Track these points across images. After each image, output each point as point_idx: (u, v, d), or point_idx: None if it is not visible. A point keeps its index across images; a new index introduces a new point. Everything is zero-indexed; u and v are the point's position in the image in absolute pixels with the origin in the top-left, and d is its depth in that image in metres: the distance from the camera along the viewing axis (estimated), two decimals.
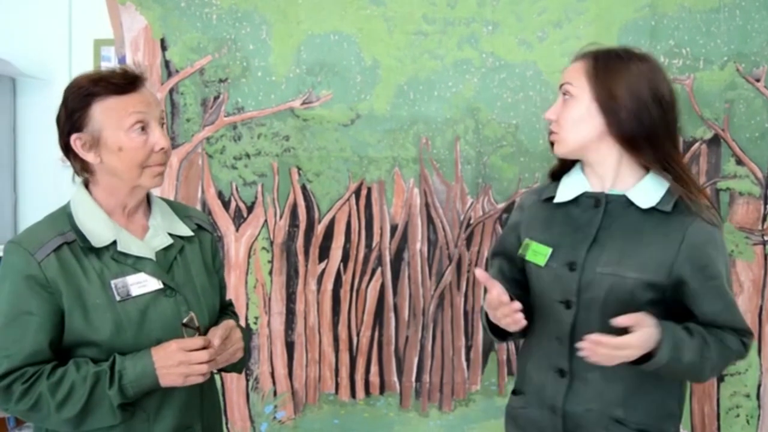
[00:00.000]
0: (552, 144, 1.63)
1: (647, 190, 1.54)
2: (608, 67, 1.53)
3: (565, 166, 1.68)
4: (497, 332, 1.67)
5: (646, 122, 1.50)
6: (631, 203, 1.55)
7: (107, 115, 1.44)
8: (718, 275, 1.51)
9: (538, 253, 1.62)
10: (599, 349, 1.41)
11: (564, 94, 1.56)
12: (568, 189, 1.64)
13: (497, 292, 1.50)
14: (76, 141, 1.45)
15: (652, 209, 1.53)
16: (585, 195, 1.61)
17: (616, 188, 1.58)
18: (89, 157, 1.46)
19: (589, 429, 1.58)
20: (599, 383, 1.56)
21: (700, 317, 1.52)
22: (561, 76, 1.59)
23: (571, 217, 1.62)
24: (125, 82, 1.46)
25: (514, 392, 1.78)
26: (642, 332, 1.41)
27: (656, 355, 1.43)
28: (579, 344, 1.44)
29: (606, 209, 1.57)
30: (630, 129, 1.50)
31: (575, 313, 1.56)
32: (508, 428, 1.77)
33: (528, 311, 1.63)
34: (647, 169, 1.55)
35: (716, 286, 1.51)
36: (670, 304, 1.54)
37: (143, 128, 1.47)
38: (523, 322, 1.52)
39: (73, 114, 1.45)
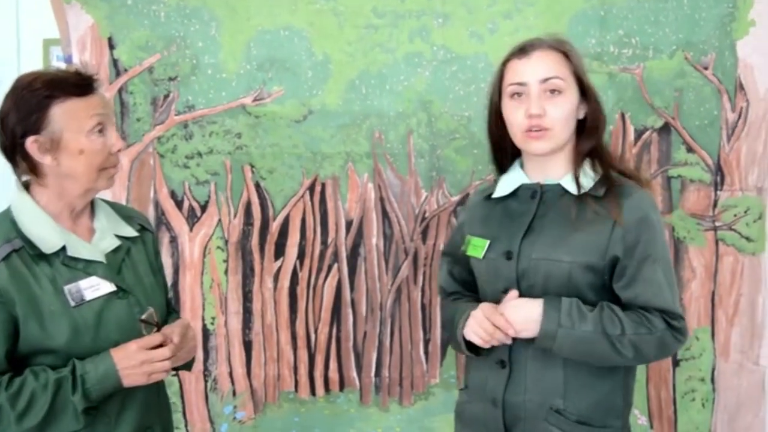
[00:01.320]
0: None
1: (581, 177, 1.57)
2: (577, 58, 1.58)
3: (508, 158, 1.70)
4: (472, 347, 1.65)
5: (600, 111, 1.59)
6: (566, 191, 1.58)
7: (68, 117, 1.43)
8: (649, 255, 1.51)
9: (476, 247, 1.65)
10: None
11: (552, 90, 1.54)
12: (506, 184, 1.66)
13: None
14: (32, 144, 1.42)
15: (586, 195, 1.55)
16: (522, 187, 1.63)
17: (551, 178, 1.60)
18: (45, 160, 1.44)
19: (528, 420, 1.57)
20: (538, 372, 1.57)
21: (623, 298, 1.53)
22: (530, 69, 1.55)
23: (509, 210, 1.64)
24: (83, 84, 1.45)
25: (461, 388, 1.80)
26: (513, 302, 1.52)
27: (543, 324, 1.48)
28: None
29: (542, 199, 1.60)
30: (597, 119, 1.58)
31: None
32: (456, 425, 1.78)
33: None
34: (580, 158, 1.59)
35: (645, 266, 1.51)
36: (610, 288, 1.55)
37: (101, 130, 1.46)
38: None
39: (29, 116, 1.42)
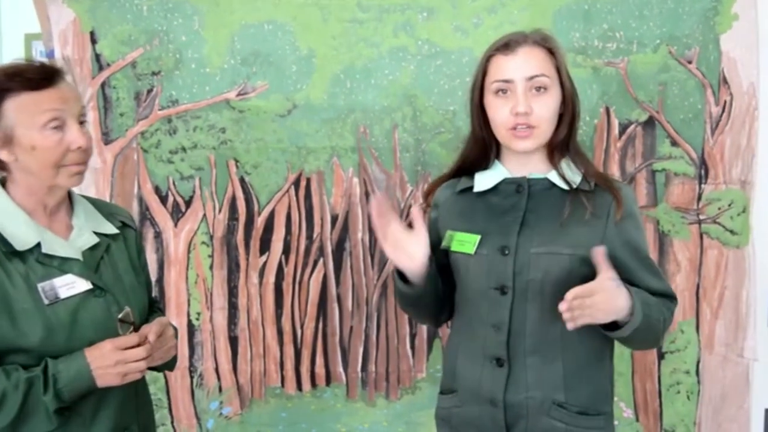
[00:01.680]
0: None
1: (566, 172, 1.57)
2: (561, 55, 1.57)
3: (480, 159, 1.67)
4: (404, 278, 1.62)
5: (578, 107, 1.61)
6: (553, 185, 1.58)
7: (20, 112, 1.39)
8: (643, 248, 1.59)
9: (465, 242, 1.60)
10: (575, 303, 1.38)
11: (539, 87, 1.52)
12: (486, 178, 1.64)
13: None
14: None
15: (576, 189, 1.56)
16: (505, 182, 1.62)
17: (534, 173, 1.60)
18: (2, 155, 1.41)
19: (530, 417, 1.55)
20: (539, 368, 1.55)
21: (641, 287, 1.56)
22: (516, 66, 1.53)
23: (493, 205, 1.62)
24: (40, 78, 1.40)
25: (442, 392, 1.74)
26: (605, 280, 1.41)
27: (633, 312, 1.43)
28: (560, 307, 1.38)
29: (529, 193, 1.59)
30: (575, 116, 1.60)
31: (512, 297, 1.55)
32: (442, 430, 1.74)
33: (449, 306, 1.71)
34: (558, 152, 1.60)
35: (644, 258, 1.58)
36: None
37: (59, 126, 1.41)
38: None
39: None
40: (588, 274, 1.50)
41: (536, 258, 1.53)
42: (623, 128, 2.50)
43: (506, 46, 1.55)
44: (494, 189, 1.63)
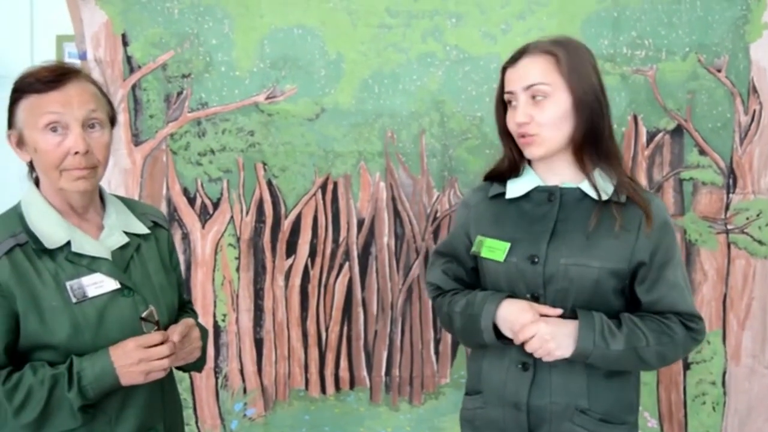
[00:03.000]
0: (517, 147, 1.63)
1: (598, 182, 1.56)
2: (575, 61, 1.53)
3: (511, 168, 1.68)
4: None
5: (602, 113, 1.55)
6: (585, 195, 1.57)
7: (27, 113, 1.42)
8: (670, 259, 1.56)
9: (495, 249, 1.61)
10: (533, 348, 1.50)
11: (534, 96, 1.53)
12: (519, 185, 1.65)
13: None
14: (10, 137, 1.44)
15: (608, 201, 1.55)
16: (537, 189, 1.62)
17: (567, 182, 1.60)
18: (22, 155, 1.45)
19: (553, 422, 1.57)
20: (563, 374, 1.56)
21: (644, 302, 1.56)
22: (516, 77, 1.57)
23: (525, 212, 1.62)
24: (48, 80, 1.41)
25: (468, 393, 1.76)
26: (550, 329, 1.49)
27: (578, 344, 1.48)
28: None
29: (561, 202, 1.58)
30: (596, 122, 1.55)
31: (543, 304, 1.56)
32: (467, 431, 1.75)
33: None
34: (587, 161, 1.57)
35: (667, 270, 1.55)
36: (630, 291, 1.57)
37: (60, 129, 1.41)
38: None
39: (7, 110, 1.44)
40: (616, 285, 1.54)
41: (565, 269, 1.54)
42: (651, 136, 2.49)
43: (513, 58, 1.60)
44: (526, 196, 1.63)
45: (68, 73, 1.43)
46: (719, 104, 2.47)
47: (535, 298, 1.57)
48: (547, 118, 1.53)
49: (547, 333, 1.48)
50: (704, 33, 2.44)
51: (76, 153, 1.41)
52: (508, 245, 1.59)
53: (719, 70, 2.45)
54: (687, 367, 2.57)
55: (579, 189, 1.58)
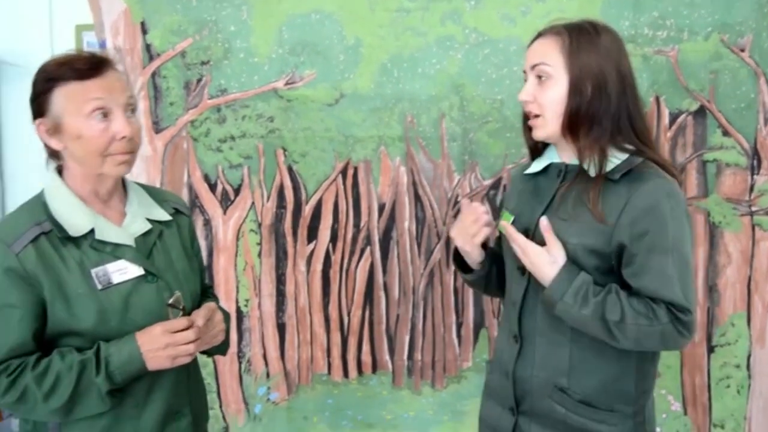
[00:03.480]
0: (527, 125, 1.62)
1: (606, 159, 1.51)
2: (580, 44, 1.50)
3: (529, 146, 1.69)
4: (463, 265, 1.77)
5: (605, 99, 1.49)
6: (583, 171, 1.54)
7: (67, 101, 1.41)
8: (657, 246, 1.45)
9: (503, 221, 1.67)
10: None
11: (539, 75, 1.53)
12: (538, 162, 1.66)
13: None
14: (39, 126, 1.43)
15: (602, 177, 1.50)
16: (552, 166, 1.63)
17: (576, 159, 1.58)
18: (52, 143, 1.44)
19: (535, 395, 1.59)
20: (545, 349, 1.57)
21: (633, 286, 1.49)
22: (529, 55, 1.56)
23: (536, 188, 1.64)
24: (87, 67, 1.42)
25: (487, 361, 1.86)
26: (543, 250, 1.50)
27: (549, 289, 1.49)
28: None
29: (564, 178, 1.58)
30: (588, 107, 1.49)
31: (528, 278, 1.58)
32: (483, 396, 1.81)
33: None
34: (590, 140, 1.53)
35: (654, 257, 1.45)
36: (619, 273, 1.52)
37: (105, 115, 1.42)
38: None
39: (36, 98, 1.43)
40: (597, 264, 1.50)
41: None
42: (674, 118, 2.47)
43: (533, 38, 1.59)
44: (544, 173, 1.64)
45: (105, 61, 1.45)
46: (743, 84, 2.44)
47: (522, 271, 1.59)
48: (546, 99, 1.52)
49: (531, 255, 1.52)
50: (727, 12, 2.41)
51: (123, 137, 1.44)
52: (512, 218, 1.64)
53: (742, 50, 2.42)
54: (711, 350, 2.55)
55: (579, 165, 1.55)
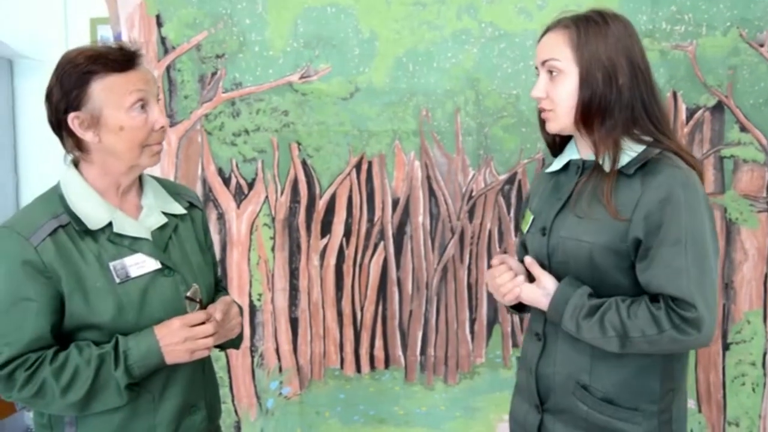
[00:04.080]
0: (542, 121, 1.60)
1: (621, 153, 1.49)
2: (588, 36, 1.48)
3: (547, 143, 1.68)
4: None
5: (616, 89, 1.46)
6: (599, 167, 1.52)
7: (108, 93, 1.41)
8: (670, 237, 1.40)
9: (526, 221, 1.67)
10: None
11: (550, 71, 1.51)
12: (559, 159, 1.65)
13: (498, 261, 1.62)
14: (74, 120, 1.41)
15: (616, 172, 1.48)
16: (571, 163, 1.61)
17: (592, 155, 1.55)
18: (87, 136, 1.42)
19: (558, 392, 1.58)
20: (567, 346, 1.56)
21: (641, 282, 1.45)
22: (539, 51, 1.54)
23: (558, 184, 1.62)
24: (124, 59, 1.42)
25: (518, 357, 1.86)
26: (533, 287, 1.54)
27: (549, 318, 1.53)
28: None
29: (582, 174, 1.56)
30: (599, 98, 1.47)
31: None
32: (513, 393, 1.81)
33: None
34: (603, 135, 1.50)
35: (665, 248, 1.40)
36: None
37: (143, 106, 1.44)
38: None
39: (70, 92, 1.40)
40: (617, 263, 1.47)
41: (563, 242, 1.53)
42: (691, 113, 2.45)
43: (542, 32, 1.57)
44: (565, 170, 1.62)
45: (138, 53, 1.46)
46: (761, 80, 2.42)
47: (544, 267, 1.59)
48: (558, 95, 1.50)
49: (523, 295, 1.58)
50: (746, 7, 2.38)
51: (161, 127, 1.46)
52: (532, 217, 1.64)
53: (761, 45, 2.40)
54: (726, 347, 2.53)
55: (595, 161, 1.53)
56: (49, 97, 1.44)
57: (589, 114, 1.48)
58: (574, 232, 1.51)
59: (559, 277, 1.54)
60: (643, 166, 1.45)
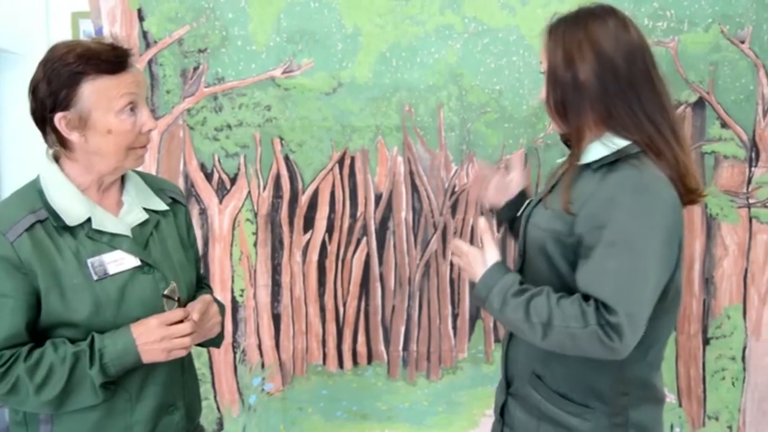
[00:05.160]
0: None
1: (593, 149, 1.49)
2: (556, 35, 1.50)
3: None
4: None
5: (576, 84, 1.46)
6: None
7: (98, 96, 1.38)
8: (605, 237, 1.38)
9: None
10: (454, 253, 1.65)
11: (543, 72, 1.55)
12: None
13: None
14: (60, 120, 1.38)
15: (585, 166, 1.49)
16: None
17: None
18: (73, 136, 1.40)
19: (518, 377, 1.63)
20: None
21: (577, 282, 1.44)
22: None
23: (555, 177, 1.63)
24: (117, 60, 1.39)
25: None
26: (478, 252, 1.56)
27: (476, 288, 1.53)
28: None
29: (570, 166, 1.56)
30: (562, 94, 1.49)
31: (520, 263, 1.62)
32: None
33: None
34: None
35: (599, 249, 1.38)
36: None
37: (132, 109, 1.42)
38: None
39: (58, 91, 1.37)
40: (565, 254, 1.47)
41: (531, 230, 1.57)
42: None
43: None
44: None
45: (129, 53, 1.43)
46: (742, 76, 2.43)
47: (520, 255, 1.62)
48: (542, 96, 1.55)
49: (462, 250, 1.60)
50: (727, 3, 2.40)
51: (148, 131, 1.45)
52: (527, 202, 1.69)
53: (743, 42, 2.41)
54: (706, 342, 2.55)
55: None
56: (34, 91, 1.41)
57: (558, 111, 1.50)
58: (536, 218, 1.56)
59: (529, 263, 1.57)
60: (613, 163, 1.44)
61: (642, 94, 1.46)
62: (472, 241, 2.54)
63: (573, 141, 1.52)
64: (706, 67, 2.43)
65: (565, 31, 1.49)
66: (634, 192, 1.38)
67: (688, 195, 1.49)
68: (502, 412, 1.69)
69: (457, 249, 1.61)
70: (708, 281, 2.53)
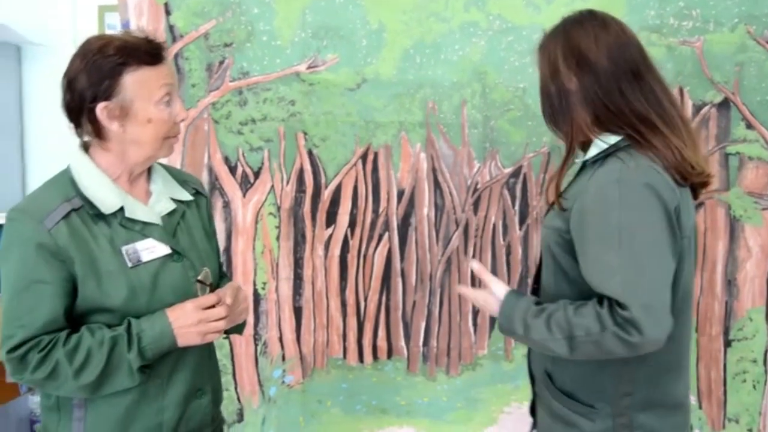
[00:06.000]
0: None
1: (591, 150, 1.51)
2: (545, 44, 1.56)
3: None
4: None
5: (561, 90, 1.50)
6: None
7: (139, 86, 1.43)
8: (600, 233, 1.39)
9: None
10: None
11: None
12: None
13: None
14: (102, 110, 1.42)
15: (586, 166, 1.53)
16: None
17: None
18: (113, 126, 1.44)
19: (537, 379, 1.66)
20: None
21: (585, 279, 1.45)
22: None
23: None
24: (154, 53, 1.45)
25: None
26: (484, 293, 1.60)
27: (499, 324, 1.55)
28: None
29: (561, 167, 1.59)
30: (549, 101, 1.54)
31: (539, 263, 1.64)
32: None
33: None
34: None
35: (593, 245, 1.40)
36: None
37: (168, 101, 1.48)
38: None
39: (100, 82, 1.41)
40: (568, 251, 1.49)
41: (542, 230, 1.61)
42: (697, 109, 2.45)
43: None
44: None
45: (164, 46, 1.49)
46: None
47: (541, 258, 1.64)
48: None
49: (479, 299, 1.63)
50: (754, 3, 2.38)
51: (182, 120, 1.52)
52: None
53: None
54: (728, 344, 2.54)
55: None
56: (70, 83, 1.44)
57: (551, 121, 1.55)
58: (546, 220, 1.59)
59: (544, 264, 1.59)
60: (604, 159, 1.47)
61: (625, 88, 1.46)
62: (493, 239, 2.55)
63: (579, 146, 1.54)
64: (732, 68, 2.42)
65: (548, 44, 1.54)
66: (620, 184, 1.38)
67: (694, 178, 1.47)
68: (532, 412, 1.73)
69: (467, 297, 1.71)
70: (731, 283, 2.51)
